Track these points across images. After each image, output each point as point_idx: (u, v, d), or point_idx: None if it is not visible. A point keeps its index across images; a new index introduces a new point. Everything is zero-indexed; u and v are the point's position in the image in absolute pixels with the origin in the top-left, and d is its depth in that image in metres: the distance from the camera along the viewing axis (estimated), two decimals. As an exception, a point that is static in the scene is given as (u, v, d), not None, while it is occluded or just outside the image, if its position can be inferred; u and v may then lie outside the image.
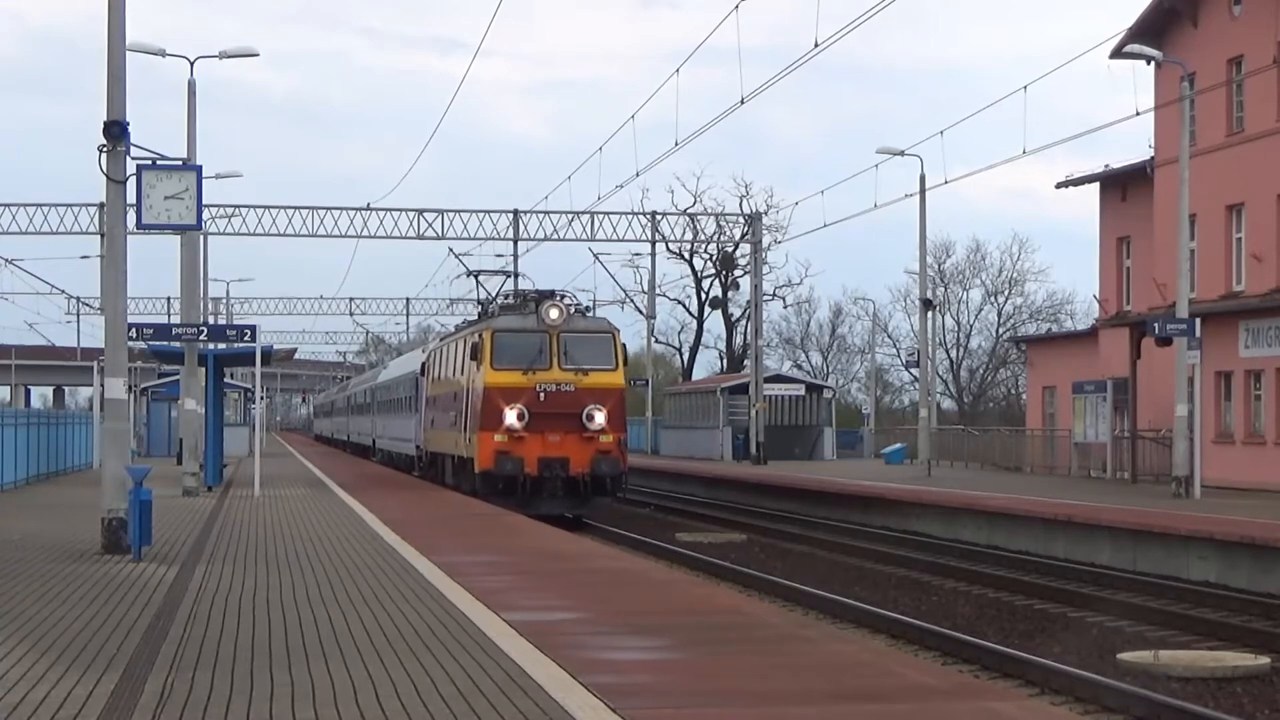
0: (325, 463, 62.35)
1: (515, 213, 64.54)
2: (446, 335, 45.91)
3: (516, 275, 45.23)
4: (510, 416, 34.26)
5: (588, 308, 37.53)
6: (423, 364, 48.02)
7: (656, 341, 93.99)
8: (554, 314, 34.83)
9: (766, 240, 72.33)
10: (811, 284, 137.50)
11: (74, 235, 63.55)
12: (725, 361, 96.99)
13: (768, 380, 66.50)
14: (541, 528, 25.83)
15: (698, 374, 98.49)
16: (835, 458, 68.98)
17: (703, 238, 76.00)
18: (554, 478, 34.46)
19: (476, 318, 41.66)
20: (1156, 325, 37.60)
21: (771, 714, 9.67)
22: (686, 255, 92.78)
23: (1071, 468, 51.12)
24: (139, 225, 22.74)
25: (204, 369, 37.27)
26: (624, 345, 36.21)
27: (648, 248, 74.48)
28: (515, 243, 64.64)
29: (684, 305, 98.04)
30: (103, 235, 52.83)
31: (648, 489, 53.68)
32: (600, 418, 34.35)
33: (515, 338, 35.10)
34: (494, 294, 42.69)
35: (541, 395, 34.42)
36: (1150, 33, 45.07)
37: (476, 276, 44.74)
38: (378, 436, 66.05)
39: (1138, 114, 36.99)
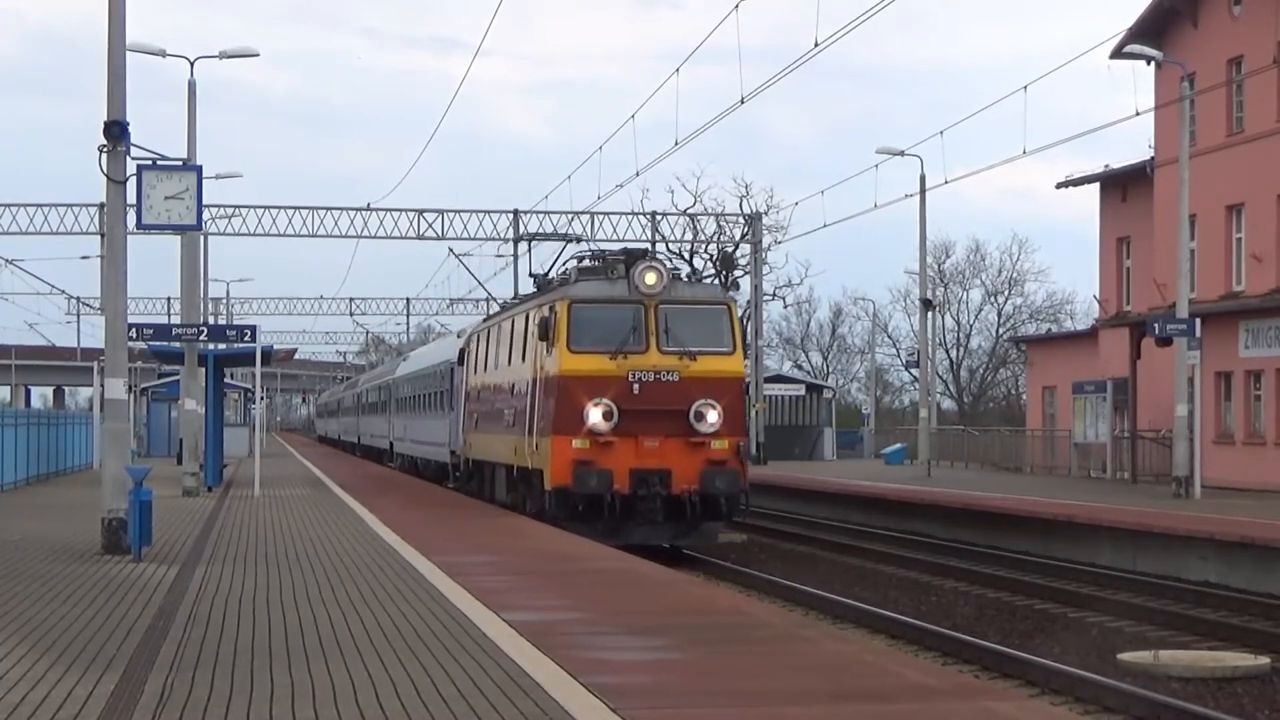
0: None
1: (515, 213, 64.53)
2: (494, 315, 36.47)
3: (572, 238, 37.12)
4: (594, 415, 26.36)
5: (693, 272, 27.84)
6: (461, 351, 39.69)
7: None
8: (651, 279, 26.81)
9: (766, 240, 72.31)
10: (811, 284, 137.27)
11: (74, 235, 63.57)
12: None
13: (768, 380, 66.53)
14: (541, 527, 25.77)
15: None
16: (835, 458, 69.03)
17: (703, 238, 75.94)
18: (651, 497, 26.39)
19: (535, 289, 32.48)
20: (1156, 325, 37.61)
21: (771, 714, 9.67)
22: (686, 255, 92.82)
23: (1071, 468, 51.13)
24: (139, 225, 22.74)
25: (204, 369, 37.26)
26: (741, 321, 29.33)
27: (648, 248, 74.42)
28: (515, 243, 64.62)
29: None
30: (103, 235, 52.82)
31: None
32: (713, 417, 26.54)
33: (601, 311, 27.09)
34: (555, 261, 34.67)
35: (636, 387, 26.62)
36: (1150, 33, 45.07)
37: (529, 242, 38.22)
38: (397, 439, 57.62)
39: (1138, 114, 37.00)
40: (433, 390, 45.97)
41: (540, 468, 27.41)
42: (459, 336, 44.15)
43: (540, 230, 64.54)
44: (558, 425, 26.56)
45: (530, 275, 34.13)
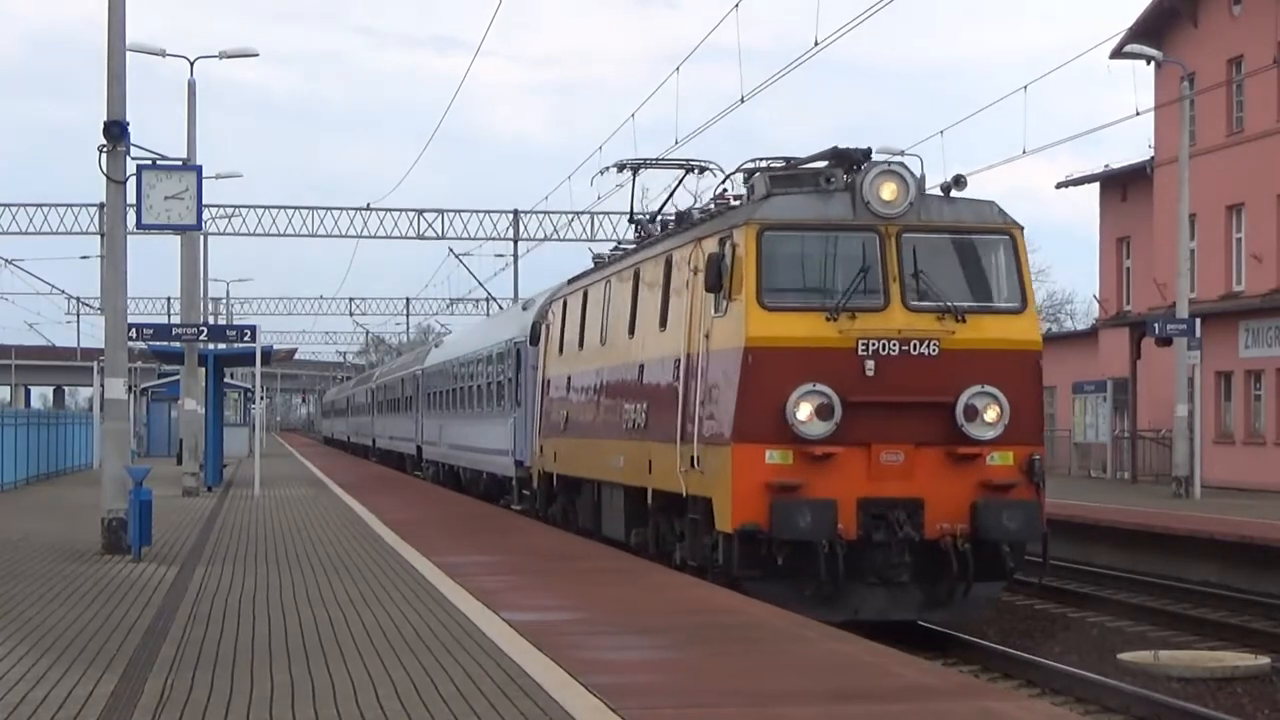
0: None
1: (515, 213, 64.60)
2: (591, 272, 25.36)
3: (693, 167, 24.52)
4: (803, 411, 16.77)
5: (957, 180, 17.71)
6: (535, 326, 29.28)
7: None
8: (890, 190, 17.21)
9: (767, 240, 72.13)
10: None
11: (74, 235, 63.81)
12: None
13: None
14: (539, 526, 25.66)
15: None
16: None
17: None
18: (892, 545, 16.81)
19: (637, 241, 23.66)
20: (1156, 325, 37.63)
21: (771, 714, 9.66)
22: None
23: (1071, 468, 51.15)
24: (139, 225, 22.77)
25: (204, 369, 37.27)
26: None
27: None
28: (515, 243, 64.66)
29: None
30: (103, 235, 52.84)
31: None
32: (993, 414, 17.01)
33: (811, 242, 17.39)
34: (669, 196, 24.84)
35: (869, 366, 16.91)
36: (1150, 33, 45.06)
37: (631, 170, 25.11)
38: (428, 443, 47.10)
39: (1138, 114, 37.00)
40: (487, 380, 35.39)
41: (705, 494, 17.73)
42: (525, 308, 32.91)
43: (540, 230, 64.71)
44: (741, 428, 16.91)
45: (631, 221, 25.00)
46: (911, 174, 17.42)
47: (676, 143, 43.15)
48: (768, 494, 16.71)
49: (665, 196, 24.94)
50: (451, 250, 61.14)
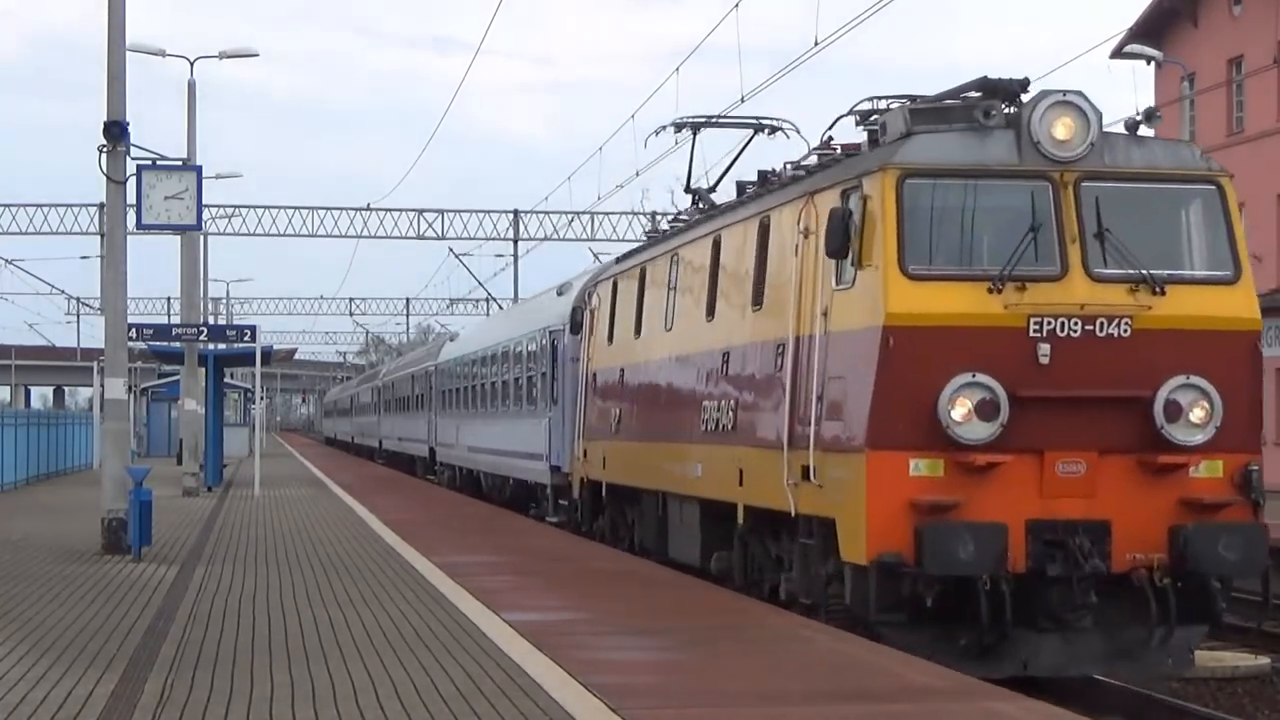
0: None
1: (515, 213, 64.65)
2: (646, 247, 22.64)
3: (767, 127, 20.90)
4: (958, 410, 13.40)
5: (1150, 114, 14.71)
6: (576, 312, 26.22)
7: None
8: (1064, 128, 13.87)
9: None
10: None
11: (74, 235, 63.92)
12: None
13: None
14: (540, 526, 25.65)
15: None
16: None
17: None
18: (1072, 581, 13.32)
19: (697, 211, 20.76)
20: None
21: (772, 714, 9.66)
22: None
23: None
24: (139, 225, 22.79)
25: (204, 369, 37.29)
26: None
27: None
28: (515, 243, 64.69)
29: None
30: (103, 235, 52.84)
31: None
32: (1199, 412, 13.68)
33: (966, 192, 13.84)
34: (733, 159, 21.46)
35: (1044, 351, 13.53)
36: (1150, 33, 45.08)
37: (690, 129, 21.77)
38: (443, 445, 44.35)
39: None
40: (516, 376, 32.18)
41: (824, 514, 14.22)
42: (560, 293, 29.42)
43: (540, 230, 64.69)
44: (878, 430, 13.41)
45: (688, 191, 21.95)
46: (1093, 106, 13.85)
47: (676, 144, 42.99)
48: (912, 515, 13.19)
49: (728, 164, 21.43)
50: (451, 250, 61.23)
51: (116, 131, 21.24)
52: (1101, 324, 13.49)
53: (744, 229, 16.94)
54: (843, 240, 13.83)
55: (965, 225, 13.78)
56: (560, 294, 29.32)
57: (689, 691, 10.49)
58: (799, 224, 15.11)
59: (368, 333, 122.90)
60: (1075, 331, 13.48)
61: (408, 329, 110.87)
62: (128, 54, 21.97)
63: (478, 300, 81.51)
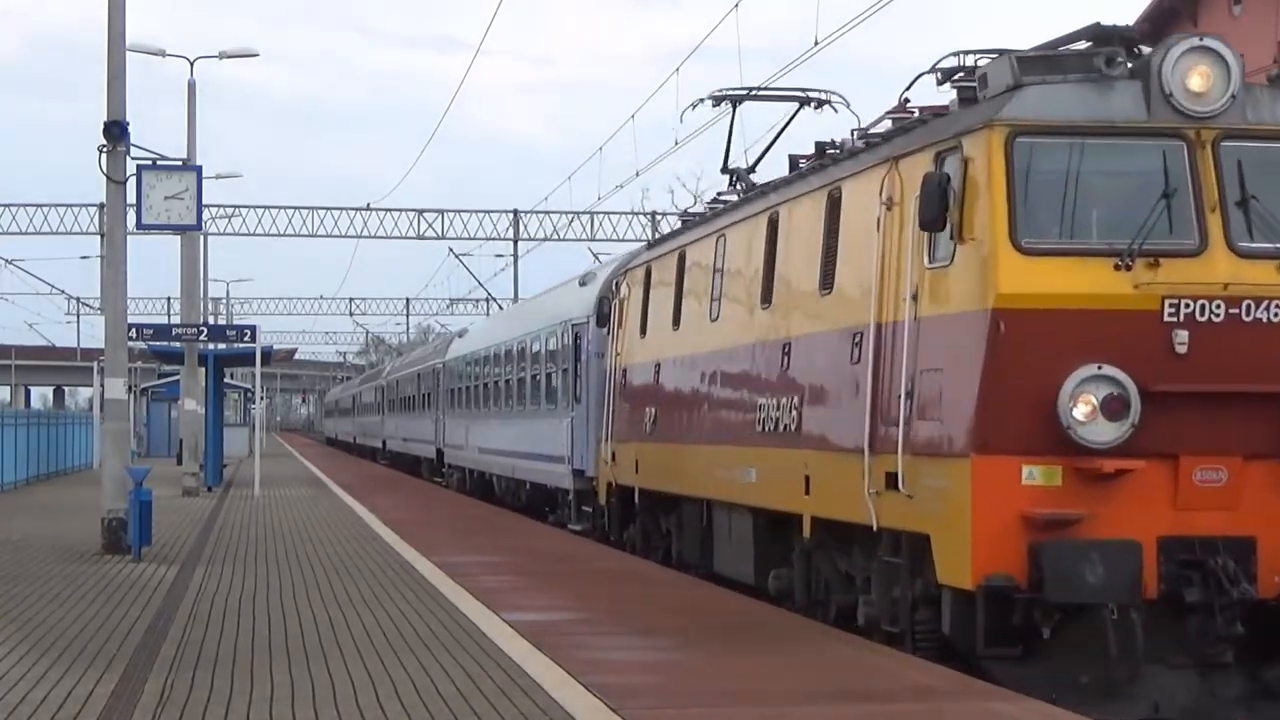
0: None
1: (515, 213, 64.65)
2: (683, 231, 20.53)
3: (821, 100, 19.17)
4: (1081, 406, 11.24)
5: None
6: (603, 303, 24.57)
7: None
8: (1200, 79, 11.59)
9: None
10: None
11: (74, 235, 63.93)
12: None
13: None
14: (540, 527, 25.64)
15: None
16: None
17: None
18: (1215, 608, 11.16)
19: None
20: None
21: (772, 714, 9.66)
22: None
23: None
24: (139, 225, 22.81)
25: (204, 369, 37.29)
26: None
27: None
28: (515, 243, 64.71)
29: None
30: (103, 235, 52.87)
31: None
32: None
33: (1087, 155, 11.68)
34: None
35: (1181, 338, 11.33)
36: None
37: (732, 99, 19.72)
38: (451, 446, 42.44)
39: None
40: (533, 372, 30.12)
41: (916, 530, 12.29)
42: (583, 283, 27.34)
43: (540, 230, 64.67)
44: (986, 431, 11.42)
45: (724, 171, 20.19)
46: (1234, 53, 11.67)
47: (676, 144, 42.95)
48: (1026, 531, 11.22)
49: (770, 140, 19.80)
50: (451, 250, 61.25)
51: (116, 131, 21.25)
52: (1248, 307, 11.41)
53: (810, 203, 14.84)
54: (939, 210, 11.82)
55: (1086, 191, 11.75)
56: (583, 284, 27.12)
57: (689, 691, 10.49)
58: (881, 194, 13.02)
59: (368, 333, 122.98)
60: (1218, 315, 11.39)
61: (408, 329, 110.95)
62: (128, 54, 21.98)
63: (478, 300, 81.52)
